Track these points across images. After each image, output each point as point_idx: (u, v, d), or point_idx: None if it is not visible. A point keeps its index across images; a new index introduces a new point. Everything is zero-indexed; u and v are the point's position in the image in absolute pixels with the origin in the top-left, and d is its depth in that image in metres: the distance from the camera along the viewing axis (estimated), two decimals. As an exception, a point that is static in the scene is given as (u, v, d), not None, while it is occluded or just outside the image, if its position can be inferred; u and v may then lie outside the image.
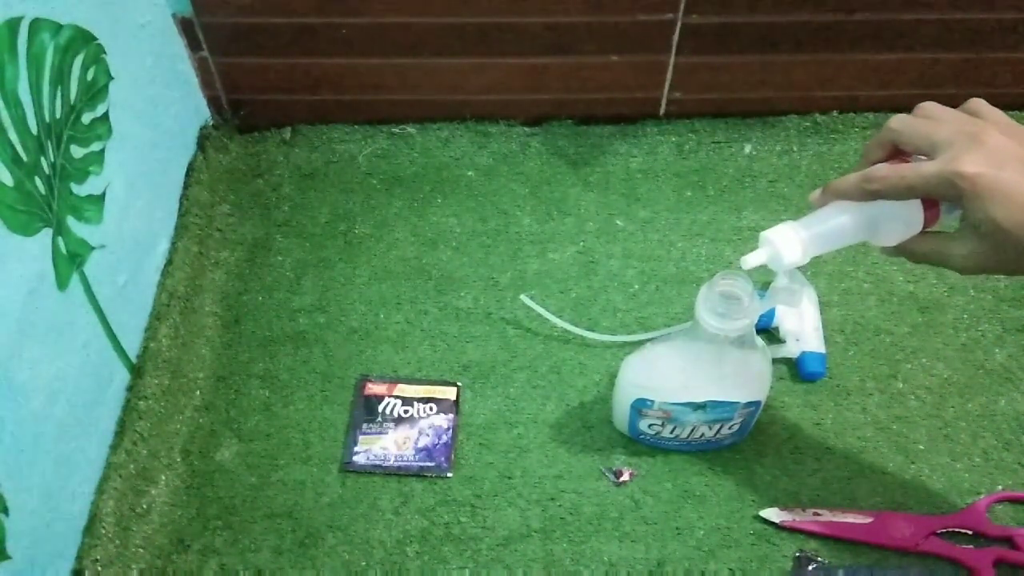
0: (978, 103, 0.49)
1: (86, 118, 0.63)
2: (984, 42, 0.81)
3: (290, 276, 0.78)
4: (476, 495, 0.65)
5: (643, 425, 0.64)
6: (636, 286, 0.77)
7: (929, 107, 0.50)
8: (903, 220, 0.49)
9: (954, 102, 0.50)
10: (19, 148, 0.54)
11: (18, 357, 0.54)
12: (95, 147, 0.64)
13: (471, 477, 0.66)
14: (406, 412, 0.69)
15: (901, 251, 0.51)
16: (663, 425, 0.63)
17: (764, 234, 0.51)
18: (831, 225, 0.50)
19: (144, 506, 0.65)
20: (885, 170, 0.48)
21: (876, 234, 0.50)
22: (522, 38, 0.80)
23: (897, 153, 0.50)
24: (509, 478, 0.66)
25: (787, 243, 0.50)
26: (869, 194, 0.49)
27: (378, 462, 0.67)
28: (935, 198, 0.48)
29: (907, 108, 0.51)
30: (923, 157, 0.48)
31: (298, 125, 0.88)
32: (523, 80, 0.84)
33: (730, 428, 0.63)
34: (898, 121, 0.49)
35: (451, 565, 0.62)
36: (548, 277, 0.77)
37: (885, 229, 0.50)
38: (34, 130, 0.56)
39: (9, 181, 0.53)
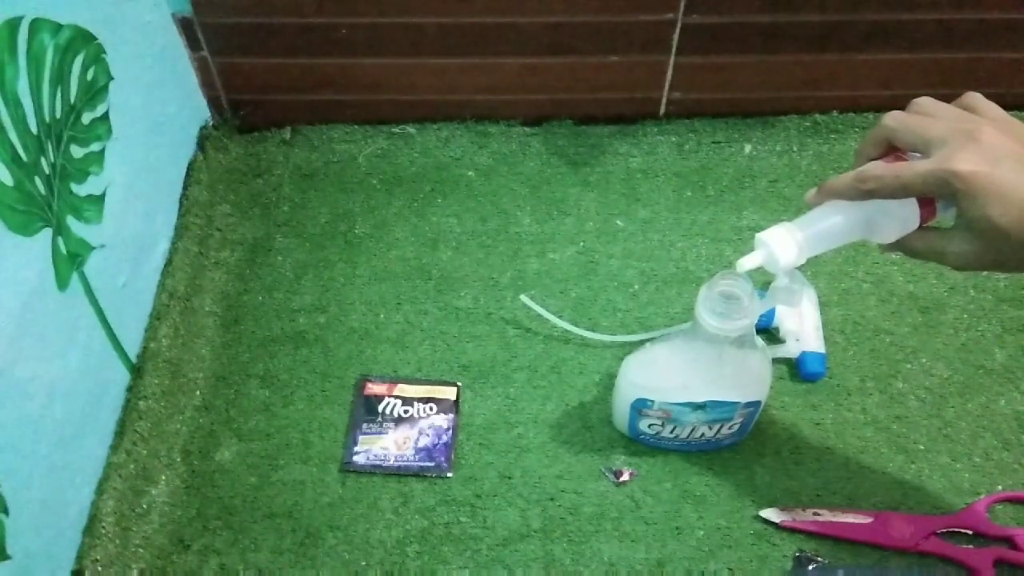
0: (974, 97, 0.49)
1: (86, 118, 0.63)
2: (984, 42, 0.81)
3: (290, 276, 0.78)
4: (476, 495, 0.65)
5: (643, 425, 0.64)
6: (636, 286, 0.77)
7: (924, 103, 0.49)
8: (899, 218, 0.49)
9: (953, 101, 0.50)
10: (19, 148, 0.54)
11: (18, 357, 0.54)
12: (95, 147, 0.64)
13: (471, 477, 0.66)
14: (406, 412, 0.69)
15: (898, 247, 0.51)
16: (663, 425, 0.63)
17: (759, 236, 0.50)
18: (826, 225, 0.50)
19: (144, 506, 0.65)
20: (879, 169, 0.48)
21: (872, 232, 0.50)
22: (522, 38, 0.80)
23: (892, 150, 0.50)
24: (509, 478, 0.66)
25: (782, 245, 0.49)
26: (864, 193, 0.48)
27: (378, 462, 0.67)
28: (930, 196, 0.48)
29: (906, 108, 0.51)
30: (918, 154, 0.48)
31: (298, 125, 0.88)
32: (523, 80, 0.84)
33: (730, 428, 0.63)
34: (892, 118, 0.49)
35: (451, 565, 0.62)
36: (548, 277, 0.77)
37: (881, 227, 0.50)
38: (34, 130, 0.56)
39: (9, 181, 0.53)
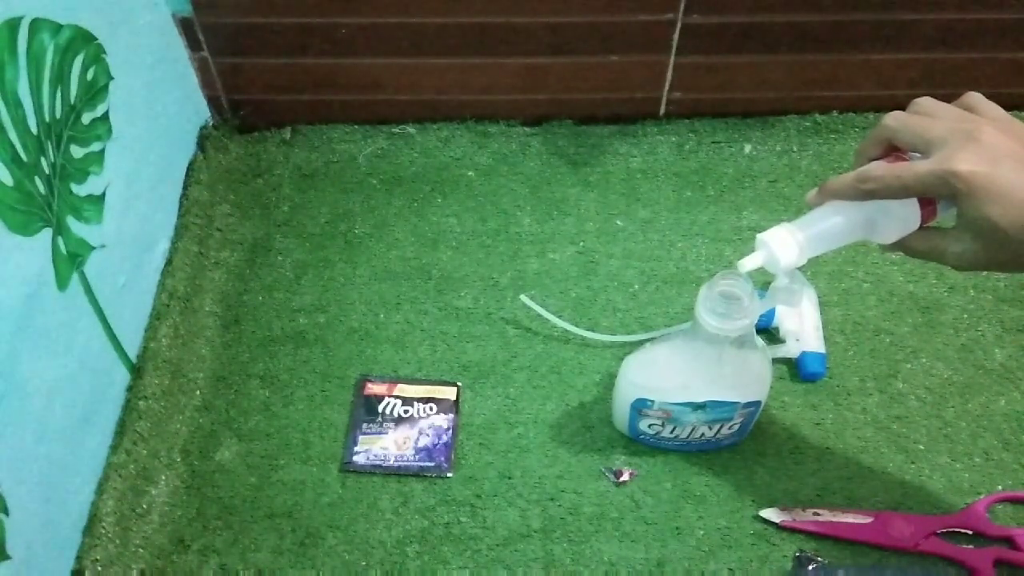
0: (974, 97, 0.49)
1: (86, 118, 0.63)
2: (984, 42, 0.81)
3: (290, 276, 0.78)
4: (476, 495, 0.65)
5: (643, 425, 0.64)
6: (636, 286, 0.77)
7: (925, 103, 0.49)
8: (900, 218, 0.49)
9: (953, 101, 0.50)
10: (19, 148, 0.54)
11: (18, 357, 0.54)
12: (95, 147, 0.64)
13: (471, 477, 0.66)
14: (406, 412, 0.69)
15: (898, 247, 0.51)
16: (663, 425, 0.63)
17: (760, 236, 0.50)
18: (827, 225, 0.50)
19: (144, 506, 0.65)
20: (880, 169, 0.48)
21: (873, 232, 0.50)
22: (522, 38, 0.80)
23: (893, 150, 0.50)
24: (509, 478, 0.66)
25: (783, 245, 0.49)
26: (864, 193, 0.48)
27: (378, 462, 0.67)
28: (930, 196, 0.48)
29: (906, 108, 0.51)
30: (919, 154, 0.48)
31: (298, 125, 0.88)
32: (523, 80, 0.84)
33: (730, 428, 0.63)
34: (893, 118, 0.49)
35: (451, 565, 0.62)
36: (548, 277, 0.77)
37: (882, 227, 0.50)
38: (34, 130, 0.56)
39: (9, 181, 0.53)
